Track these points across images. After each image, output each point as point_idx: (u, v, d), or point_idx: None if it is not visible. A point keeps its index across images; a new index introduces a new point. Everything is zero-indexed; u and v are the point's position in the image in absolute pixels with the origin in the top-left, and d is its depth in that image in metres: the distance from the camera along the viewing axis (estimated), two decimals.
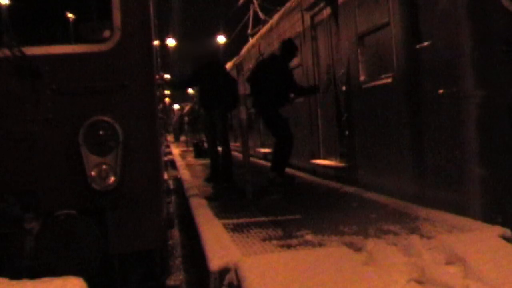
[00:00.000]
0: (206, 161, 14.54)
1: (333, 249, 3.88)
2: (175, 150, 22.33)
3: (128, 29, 4.22)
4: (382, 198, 6.00)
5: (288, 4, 11.24)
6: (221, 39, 33.72)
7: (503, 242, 3.77)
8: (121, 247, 4.10)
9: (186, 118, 30.38)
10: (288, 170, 10.39)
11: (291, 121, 8.77)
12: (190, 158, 16.04)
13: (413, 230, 4.36)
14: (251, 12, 19.97)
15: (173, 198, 12.45)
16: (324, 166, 8.78)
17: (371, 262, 3.47)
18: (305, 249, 4.01)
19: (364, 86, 6.91)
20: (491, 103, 4.52)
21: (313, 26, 9.42)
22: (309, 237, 4.33)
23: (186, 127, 28.95)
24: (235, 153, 16.43)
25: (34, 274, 3.45)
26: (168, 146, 26.63)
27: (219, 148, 9.03)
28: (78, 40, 4.47)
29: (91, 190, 4.01)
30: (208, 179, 9.16)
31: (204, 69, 8.69)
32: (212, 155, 9.13)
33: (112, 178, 4.02)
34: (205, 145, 12.82)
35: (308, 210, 5.59)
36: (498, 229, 4.02)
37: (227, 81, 8.82)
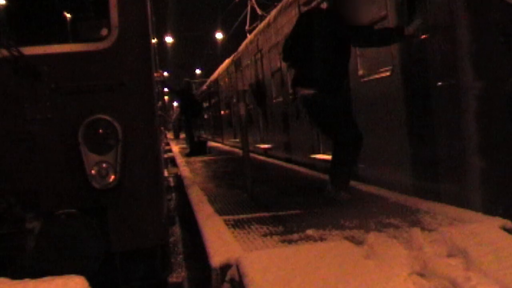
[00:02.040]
0: (204, 158, 14.58)
1: (334, 243, 3.88)
2: (175, 148, 22.34)
3: (126, 27, 4.21)
4: (382, 192, 6.00)
5: None
6: (218, 35, 33.70)
7: (504, 233, 3.77)
8: (122, 245, 4.10)
9: None
10: (288, 166, 10.42)
11: (290, 116, 8.75)
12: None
13: (414, 223, 4.36)
14: (248, 8, 19.95)
15: (173, 195, 12.46)
16: (324, 161, 8.77)
17: (373, 256, 3.47)
18: (306, 244, 4.01)
19: (362, 79, 6.91)
20: (490, 94, 4.52)
21: None
22: (310, 232, 4.32)
23: None
24: (235, 149, 16.66)
25: (36, 273, 3.45)
26: (168, 144, 26.64)
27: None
28: (76, 39, 4.47)
29: (92, 188, 4.01)
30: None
31: (182, 93, 16.89)
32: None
33: (112, 177, 4.02)
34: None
35: (308, 205, 5.58)
36: (499, 221, 4.02)
37: (194, 101, 17.23)
